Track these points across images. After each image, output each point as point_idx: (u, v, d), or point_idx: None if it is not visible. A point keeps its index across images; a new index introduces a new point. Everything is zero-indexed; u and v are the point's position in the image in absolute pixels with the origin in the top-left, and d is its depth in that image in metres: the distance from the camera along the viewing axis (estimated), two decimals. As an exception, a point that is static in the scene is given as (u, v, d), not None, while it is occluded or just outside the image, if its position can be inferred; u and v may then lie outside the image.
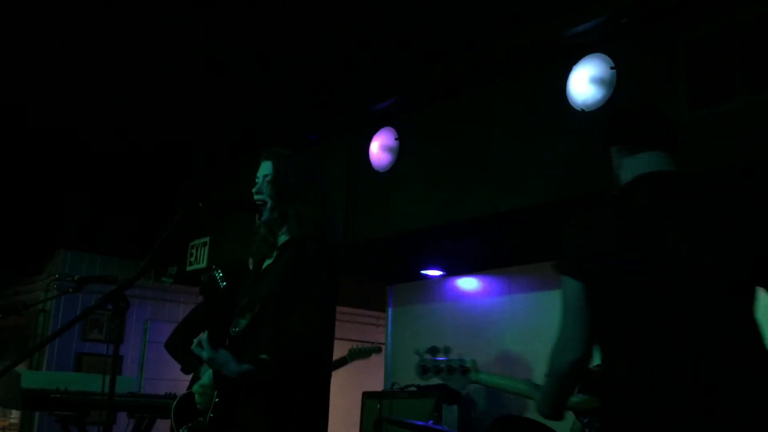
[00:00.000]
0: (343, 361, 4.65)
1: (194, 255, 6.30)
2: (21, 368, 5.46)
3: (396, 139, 4.61)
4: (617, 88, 3.48)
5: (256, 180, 2.62)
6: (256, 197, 2.58)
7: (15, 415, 6.30)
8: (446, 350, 2.64)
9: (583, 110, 3.58)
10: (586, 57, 3.59)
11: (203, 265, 6.16)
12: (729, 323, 1.74)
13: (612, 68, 3.49)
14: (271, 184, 2.56)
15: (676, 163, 1.95)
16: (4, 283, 7.04)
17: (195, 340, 2.34)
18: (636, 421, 1.74)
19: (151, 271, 6.59)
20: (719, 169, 3.17)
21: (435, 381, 2.65)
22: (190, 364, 3.74)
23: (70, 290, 4.13)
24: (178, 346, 3.85)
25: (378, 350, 4.92)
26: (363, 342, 5.95)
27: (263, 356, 2.32)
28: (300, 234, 2.52)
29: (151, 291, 6.85)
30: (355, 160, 4.88)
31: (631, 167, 1.96)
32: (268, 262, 2.62)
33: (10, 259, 6.64)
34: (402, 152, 4.60)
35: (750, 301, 1.79)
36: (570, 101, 3.64)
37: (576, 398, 2.18)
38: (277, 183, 2.56)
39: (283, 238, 2.59)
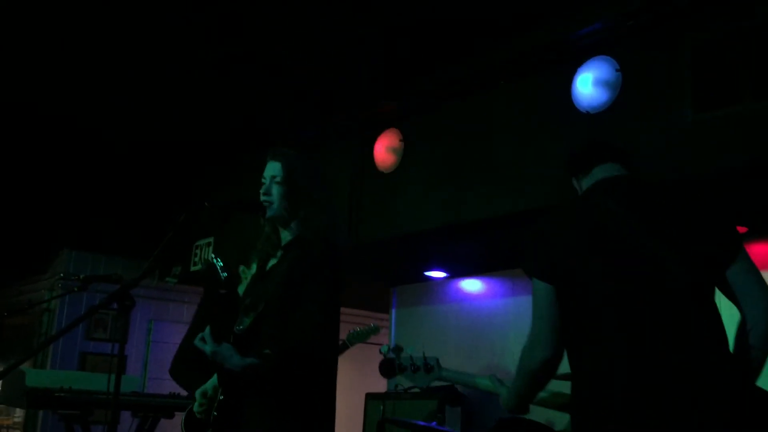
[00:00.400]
0: (343, 346, 4.63)
1: (198, 255, 6.31)
2: (25, 367, 5.47)
3: (401, 140, 4.62)
4: (622, 90, 3.48)
5: (263, 180, 2.60)
6: (263, 198, 2.56)
7: (19, 414, 6.32)
8: (403, 352, 2.72)
9: (588, 112, 3.59)
10: (592, 59, 3.59)
11: (207, 265, 6.17)
12: (687, 318, 1.82)
13: (617, 71, 3.49)
14: (280, 185, 2.55)
15: (628, 170, 2.12)
16: (9, 282, 7.06)
17: (198, 336, 2.33)
18: (598, 413, 1.82)
19: (155, 271, 6.60)
20: (722, 173, 3.17)
21: (401, 380, 2.72)
22: (196, 386, 3.74)
23: (75, 289, 4.13)
24: (180, 369, 3.84)
25: (376, 330, 4.89)
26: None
27: (266, 351, 2.32)
28: (305, 234, 2.52)
29: (155, 291, 6.86)
30: (360, 161, 4.89)
31: (587, 182, 2.14)
32: (272, 262, 2.62)
33: (15, 258, 6.65)
34: (406, 154, 4.60)
35: (707, 295, 1.88)
36: (575, 103, 3.64)
37: (544, 394, 2.28)
38: (286, 184, 2.55)
39: (287, 238, 2.59)
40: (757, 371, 1.88)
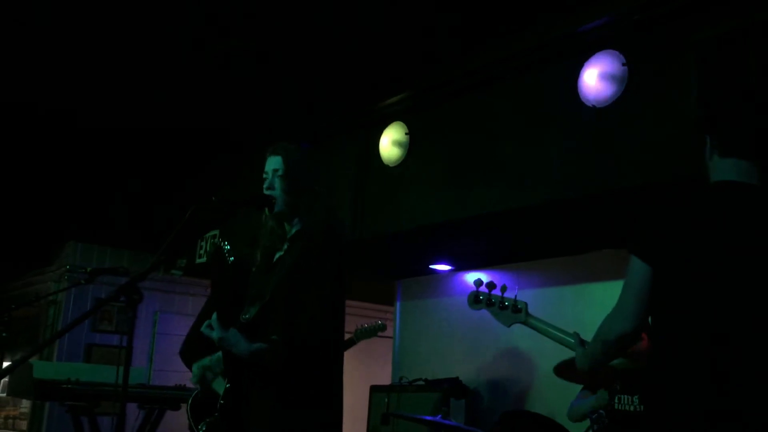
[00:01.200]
0: (350, 342, 4.66)
1: (203, 248, 6.33)
2: (32, 359, 5.51)
3: (406, 134, 4.62)
4: (629, 84, 3.48)
5: (265, 175, 2.65)
6: (267, 192, 2.60)
7: (26, 405, 6.36)
8: (503, 288, 2.77)
9: (594, 107, 3.59)
10: (598, 53, 3.59)
11: (213, 257, 6.19)
12: None
13: (624, 65, 3.49)
14: (282, 178, 2.60)
15: (758, 176, 1.95)
16: (16, 274, 7.09)
17: (205, 323, 2.38)
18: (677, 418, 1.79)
19: (161, 264, 6.63)
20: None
21: (483, 309, 2.79)
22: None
23: (82, 282, 4.16)
24: (187, 356, 3.85)
25: (383, 327, 4.93)
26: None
27: (273, 337, 2.36)
28: (310, 225, 2.57)
29: (161, 283, 6.89)
30: (365, 155, 4.89)
31: (717, 170, 2.00)
32: (278, 254, 2.65)
33: (22, 251, 6.68)
34: (412, 148, 4.60)
35: None
36: (581, 98, 3.64)
37: (616, 361, 2.23)
38: (288, 177, 2.60)
39: (292, 231, 2.63)
40: None
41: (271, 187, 2.61)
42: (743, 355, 1.75)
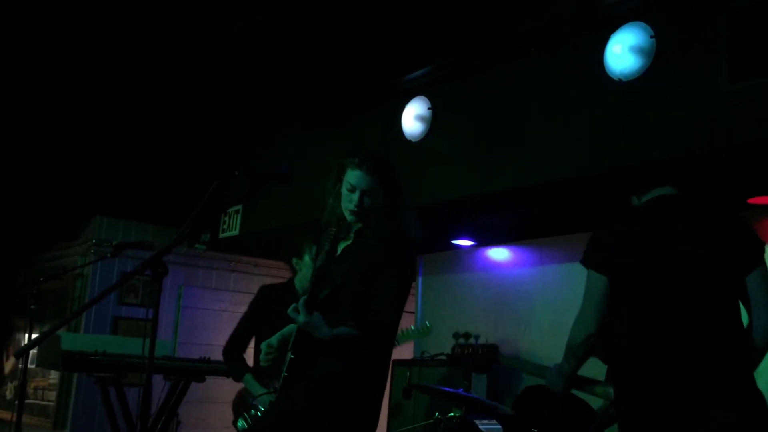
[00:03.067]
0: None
1: (227, 222, 6.37)
2: (60, 331, 5.60)
3: (429, 108, 4.59)
4: (656, 57, 3.42)
5: (349, 190, 2.65)
6: (353, 209, 2.65)
7: (54, 376, 6.49)
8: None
9: (620, 80, 3.53)
10: (625, 25, 3.52)
11: (236, 232, 6.23)
12: (714, 306, 2.26)
13: (651, 37, 3.43)
14: (370, 197, 2.64)
15: (681, 191, 2.46)
16: (43, 248, 7.19)
17: (292, 306, 2.52)
18: (632, 380, 2.29)
19: (185, 238, 6.69)
20: (757, 143, 3.12)
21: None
22: (239, 373, 3.96)
23: (108, 255, 4.22)
24: (232, 355, 4.05)
25: (428, 332, 4.99)
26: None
27: (350, 323, 2.53)
28: (379, 225, 2.66)
29: (185, 257, 6.95)
30: (388, 130, 4.87)
31: (646, 198, 2.51)
32: (344, 243, 2.76)
33: (49, 225, 6.77)
34: (435, 123, 4.57)
35: (734, 288, 2.31)
36: (607, 71, 3.58)
37: (599, 388, 2.67)
38: (375, 197, 2.65)
39: (358, 225, 2.72)
40: (754, 363, 2.32)
41: (360, 206, 2.64)
42: (673, 331, 2.26)
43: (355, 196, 2.63)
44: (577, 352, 2.47)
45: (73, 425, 6.21)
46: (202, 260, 7.07)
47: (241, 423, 3.79)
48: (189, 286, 7.02)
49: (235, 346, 4.04)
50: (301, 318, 2.49)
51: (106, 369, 4.64)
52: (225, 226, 6.40)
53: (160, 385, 5.04)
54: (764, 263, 2.34)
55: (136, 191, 6.71)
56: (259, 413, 3.70)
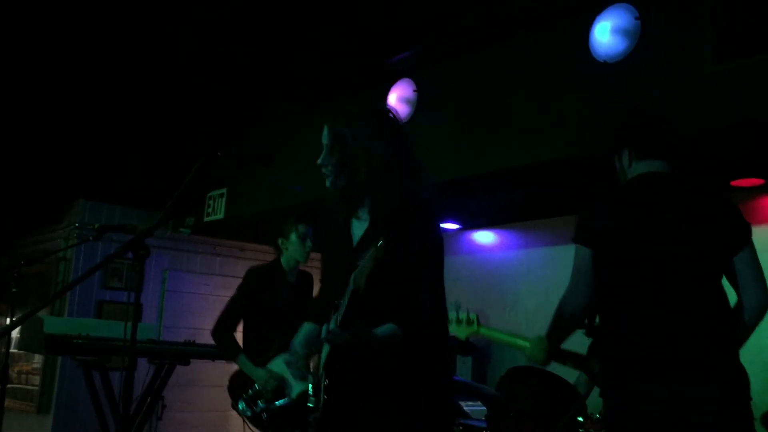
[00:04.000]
0: None
1: (211, 206, 6.34)
2: (43, 314, 5.56)
3: (414, 90, 4.56)
4: (641, 39, 3.41)
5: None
6: (319, 164, 2.33)
7: (38, 360, 6.45)
8: (457, 305, 3.18)
9: (605, 62, 3.52)
10: (610, 7, 3.51)
11: (221, 216, 6.21)
12: (699, 285, 2.29)
13: (636, 18, 3.42)
14: (337, 152, 2.29)
15: (671, 167, 2.44)
16: (26, 231, 7.13)
17: (324, 331, 2.10)
18: (618, 359, 2.31)
19: (169, 222, 6.64)
20: (740, 124, 3.12)
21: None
22: (233, 353, 4.00)
23: (91, 239, 4.19)
24: (223, 335, 4.07)
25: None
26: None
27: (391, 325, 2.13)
28: (382, 202, 2.25)
29: (169, 241, 6.91)
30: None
31: (634, 171, 2.47)
32: (358, 229, 2.33)
33: (31, 208, 6.71)
34: (420, 105, 4.55)
35: (720, 269, 2.34)
36: (592, 53, 3.57)
37: (589, 362, 2.75)
38: (342, 151, 2.29)
39: (366, 204, 2.32)
40: (741, 343, 2.37)
41: (324, 164, 2.30)
42: (661, 305, 2.27)
43: (323, 152, 2.30)
44: (563, 325, 2.50)
45: (57, 409, 6.18)
46: (186, 244, 7.04)
47: (242, 405, 3.86)
48: (174, 270, 6.99)
49: (226, 326, 4.06)
50: (340, 340, 2.07)
51: (89, 352, 4.61)
52: (210, 210, 6.36)
53: (145, 368, 5.03)
54: (752, 243, 2.36)
55: (120, 175, 6.66)
56: (256, 391, 3.80)
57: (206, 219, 6.37)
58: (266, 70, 5.31)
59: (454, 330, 3.13)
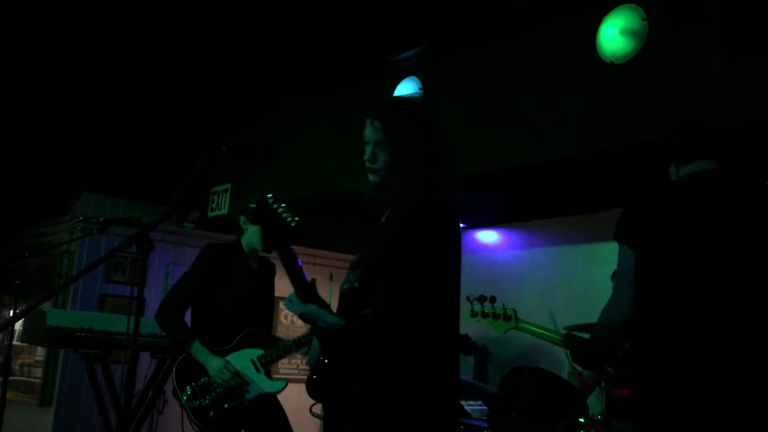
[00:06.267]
0: None
1: (216, 201, 6.34)
2: (46, 307, 5.57)
3: (420, 88, 4.56)
4: (649, 40, 3.40)
5: (366, 144, 2.32)
6: (365, 162, 2.30)
7: (40, 353, 6.46)
8: (492, 299, 3.21)
9: (612, 63, 3.51)
10: (618, 8, 3.51)
11: (224, 211, 6.21)
12: (748, 287, 2.08)
13: (644, 20, 3.41)
14: (382, 150, 2.28)
15: (719, 165, 2.31)
16: (30, 224, 7.14)
17: (286, 299, 2.16)
18: (654, 370, 2.13)
19: (173, 216, 6.65)
20: (747, 125, 3.11)
21: (480, 321, 3.19)
22: (185, 338, 3.64)
23: (95, 232, 4.18)
24: (171, 318, 3.70)
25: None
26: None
27: (366, 311, 2.07)
28: (400, 193, 2.23)
29: (173, 236, 6.92)
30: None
31: (685, 170, 2.35)
32: (385, 214, 2.32)
33: (36, 201, 6.72)
34: (425, 102, 4.54)
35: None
36: (599, 53, 3.56)
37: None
38: (391, 150, 2.27)
39: (394, 190, 2.27)
40: None
41: (371, 161, 2.27)
42: (704, 324, 2.08)
43: (368, 149, 2.27)
44: (610, 335, 2.33)
45: (59, 402, 6.19)
46: (190, 239, 7.04)
47: (186, 394, 3.52)
48: (177, 265, 6.99)
49: (175, 308, 3.69)
50: (296, 309, 2.13)
51: (91, 345, 4.61)
52: (214, 205, 6.36)
53: (147, 362, 5.03)
54: None
55: (124, 169, 6.66)
56: (207, 381, 3.49)
57: (210, 214, 6.38)
58: (270, 66, 5.31)
59: (491, 324, 3.16)
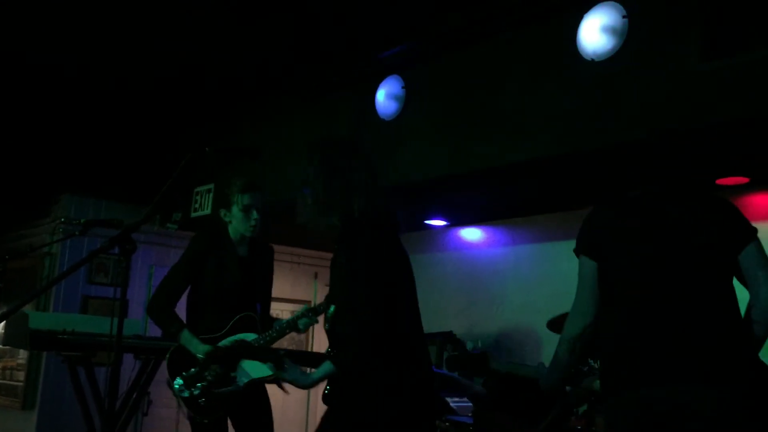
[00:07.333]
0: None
1: (198, 201, 6.32)
2: (28, 309, 5.52)
3: (403, 87, 4.56)
4: (629, 37, 3.43)
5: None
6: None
7: (23, 356, 6.41)
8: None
9: (593, 60, 3.54)
10: (598, 5, 3.53)
11: (207, 211, 6.18)
12: (705, 285, 2.25)
13: (624, 17, 3.43)
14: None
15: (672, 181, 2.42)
16: (11, 226, 7.07)
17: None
18: (624, 362, 2.25)
19: (156, 217, 6.61)
20: (725, 122, 3.15)
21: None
22: (176, 328, 3.64)
23: (76, 233, 4.14)
24: (165, 311, 3.68)
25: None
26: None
27: (330, 351, 2.40)
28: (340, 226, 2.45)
29: (156, 237, 6.88)
30: (362, 108, 4.84)
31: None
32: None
33: (17, 203, 6.66)
34: (408, 102, 4.55)
35: (729, 269, 2.29)
36: (580, 51, 3.58)
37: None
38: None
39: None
40: (759, 341, 2.29)
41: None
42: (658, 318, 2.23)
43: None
44: (574, 347, 2.39)
45: (42, 405, 6.15)
46: (173, 240, 7.00)
47: (178, 383, 3.51)
48: (160, 266, 6.95)
49: (168, 301, 3.68)
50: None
51: (74, 348, 4.57)
52: (197, 206, 6.34)
53: (130, 364, 5.00)
54: (757, 240, 2.32)
55: (106, 170, 6.61)
56: (197, 371, 3.50)
57: (193, 214, 6.35)
58: (254, 67, 5.30)
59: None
